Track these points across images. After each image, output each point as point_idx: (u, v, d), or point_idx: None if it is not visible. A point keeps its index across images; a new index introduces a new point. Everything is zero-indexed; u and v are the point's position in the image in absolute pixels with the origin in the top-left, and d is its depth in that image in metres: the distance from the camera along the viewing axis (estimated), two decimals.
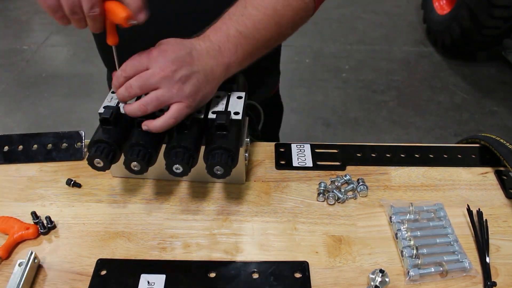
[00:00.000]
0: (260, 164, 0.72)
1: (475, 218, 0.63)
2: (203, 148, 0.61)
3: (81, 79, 2.73)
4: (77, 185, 0.68)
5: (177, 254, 0.58)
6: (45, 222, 0.61)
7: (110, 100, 0.64)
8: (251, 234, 0.61)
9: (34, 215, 0.61)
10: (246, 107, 0.68)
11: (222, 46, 0.59)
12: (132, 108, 0.58)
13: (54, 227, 0.62)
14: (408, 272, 0.55)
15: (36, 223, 0.61)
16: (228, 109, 0.65)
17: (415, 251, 0.57)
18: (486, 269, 0.56)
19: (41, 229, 0.60)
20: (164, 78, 0.56)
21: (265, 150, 0.75)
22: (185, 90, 0.56)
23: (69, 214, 0.64)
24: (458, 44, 2.74)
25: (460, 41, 2.71)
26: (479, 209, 0.64)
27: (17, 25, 3.44)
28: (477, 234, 0.60)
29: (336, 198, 0.66)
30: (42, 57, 3.02)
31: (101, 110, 0.61)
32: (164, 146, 0.61)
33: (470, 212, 0.63)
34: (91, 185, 0.69)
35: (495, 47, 2.82)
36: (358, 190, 0.67)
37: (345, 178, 0.69)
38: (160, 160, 0.60)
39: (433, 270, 0.55)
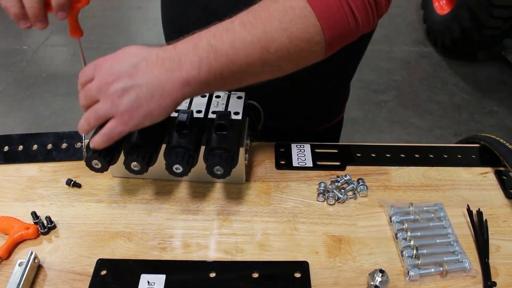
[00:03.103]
0: (260, 164, 0.72)
1: (475, 218, 0.63)
2: (203, 148, 0.61)
3: None
4: (77, 185, 0.68)
5: (177, 254, 0.58)
6: (45, 222, 0.61)
7: None
8: (251, 234, 0.61)
9: (34, 215, 0.61)
10: (246, 107, 0.68)
11: (183, 57, 0.51)
12: (80, 124, 0.55)
13: (54, 227, 0.62)
14: (408, 272, 0.55)
15: (36, 223, 0.61)
16: (228, 109, 0.65)
17: (415, 251, 0.57)
18: (486, 269, 0.56)
19: (41, 229, 0.60)
20: (100, 90, 0.52)
21: (265, 150, 0.75)
22: (120, 104, 0.51)
23: (69, 214, 0.64)
24: (458, 44, 2.74)
25: (460, 41, 2.71)
26: (479, 209, 0.64)
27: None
28: (477, 234, 0.60)
29: (336, 198, 0.66)
30: (42, 57, 3.02)
31: None
32: (164, 146, 0.61)
33: (470, 212, 0.63)
34: (91, 185, 0.69)
35: (495, 47, 2.82)
36: (358, 190, 0.67)
37: (345, 178, 0.69)
38: (160, 160, 0.60)
39: (433, 270, 0.55)
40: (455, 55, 2.88)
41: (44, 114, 2.45)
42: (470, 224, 0.62)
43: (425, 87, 2.65)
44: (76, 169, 0.71)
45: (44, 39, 3.20)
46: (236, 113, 0.64)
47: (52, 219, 0.62)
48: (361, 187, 0.67)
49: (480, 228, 0.61)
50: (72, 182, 0.68)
